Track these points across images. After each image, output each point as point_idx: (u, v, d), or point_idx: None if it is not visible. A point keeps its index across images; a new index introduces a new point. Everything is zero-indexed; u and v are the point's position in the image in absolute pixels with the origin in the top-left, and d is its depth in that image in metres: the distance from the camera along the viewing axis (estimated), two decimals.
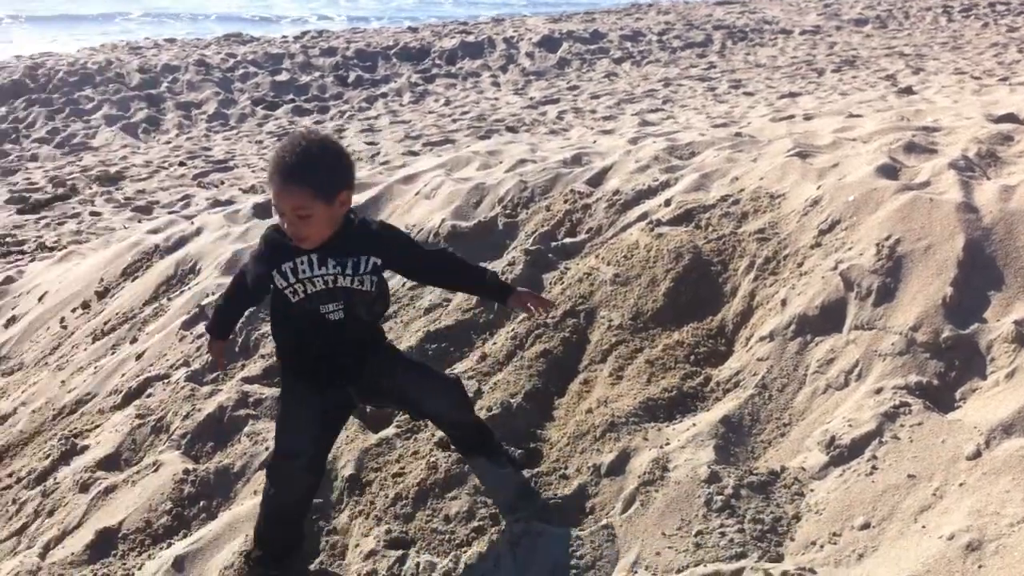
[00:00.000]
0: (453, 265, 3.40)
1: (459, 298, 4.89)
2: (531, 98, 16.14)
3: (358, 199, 6.32)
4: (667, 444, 3.50)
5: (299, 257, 3.06)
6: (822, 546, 2.94)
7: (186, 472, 4.08)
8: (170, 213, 9.75)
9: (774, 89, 14.35)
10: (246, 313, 4.35)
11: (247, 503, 3.81)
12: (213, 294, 5.49)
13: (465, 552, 3.29)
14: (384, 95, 17.63)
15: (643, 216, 5.14)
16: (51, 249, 9.27)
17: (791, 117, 9.57)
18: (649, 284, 4.48)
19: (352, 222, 3.13)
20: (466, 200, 5.90)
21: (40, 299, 6.68)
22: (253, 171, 12.18)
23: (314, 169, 2.89)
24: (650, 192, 5.42)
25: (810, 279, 4.09)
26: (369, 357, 3.34)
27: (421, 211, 5.96)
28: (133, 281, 6.38)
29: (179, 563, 3.58)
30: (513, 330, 4.50)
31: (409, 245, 3.33)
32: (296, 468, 3.22)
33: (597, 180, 5.83)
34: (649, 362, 4.05)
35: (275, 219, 3.10)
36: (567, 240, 5.24)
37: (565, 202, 5.55)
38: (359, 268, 3.10)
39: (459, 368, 4.39)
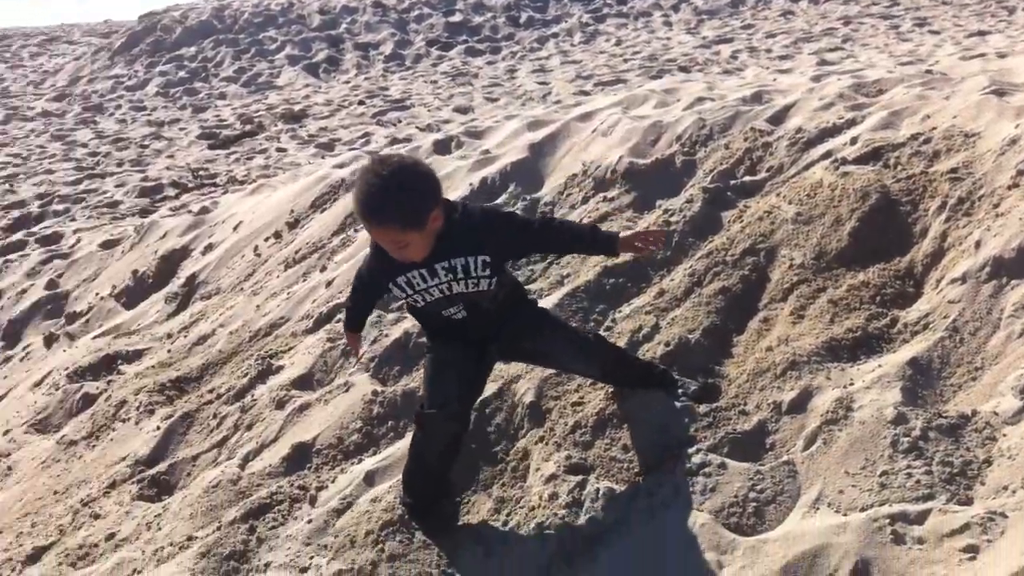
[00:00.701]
0: (560, 236, 3.37)
1: None
2: (704, 37, 15.83)
3: (535, 136, 6.39)
4: (851, 384, 3.46)
5: (411, 272, 3.07)
6: (1014, 491, 2.87)
7: (375, 394, 4.28)
8: (351, 150, 10.09)
9: (961, 27, 13.62)
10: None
11: None
12: None
13: (644, 481, 3.36)
14: (555, 35, 17.61)
15: (827, 154, 5.02)
16: (241, 182, 9.75)
17: (982, 55, 9.08)
18: (833, 223, 4.40)
19: (455, 221, 3.04)
20: (643, 137, 5.89)
21: (235, 228, 7.07)
22: (429, 110, 12.43)
23: (398, 206, 2.82)
24: (835, 130, 5.28)
25: (1007, 221, 3.93)
26: (506, 326, 3.37)
27: (598, 148, 5.98)
28: (322, 213, 6.66)
29: (369, 478, 3.78)
30: (691, 267, 4.51)
31: (515, 231, 3.21)
32: (442, 418, 3.30)
33: (778, 118, 5.72)
34: (832, 302, 4.00)
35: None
36: (747, 178, 5.17)
37: (745, 140, 5.47)
38: (470, 271, 3.08)
39: (636, 303, 4.44)
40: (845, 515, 2.96)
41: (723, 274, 4.40)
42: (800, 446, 3.30)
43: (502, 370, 4.12)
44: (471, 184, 5.97)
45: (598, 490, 3.36)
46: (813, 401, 3.46)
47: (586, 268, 4.78)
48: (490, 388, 4.01)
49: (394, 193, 2.81)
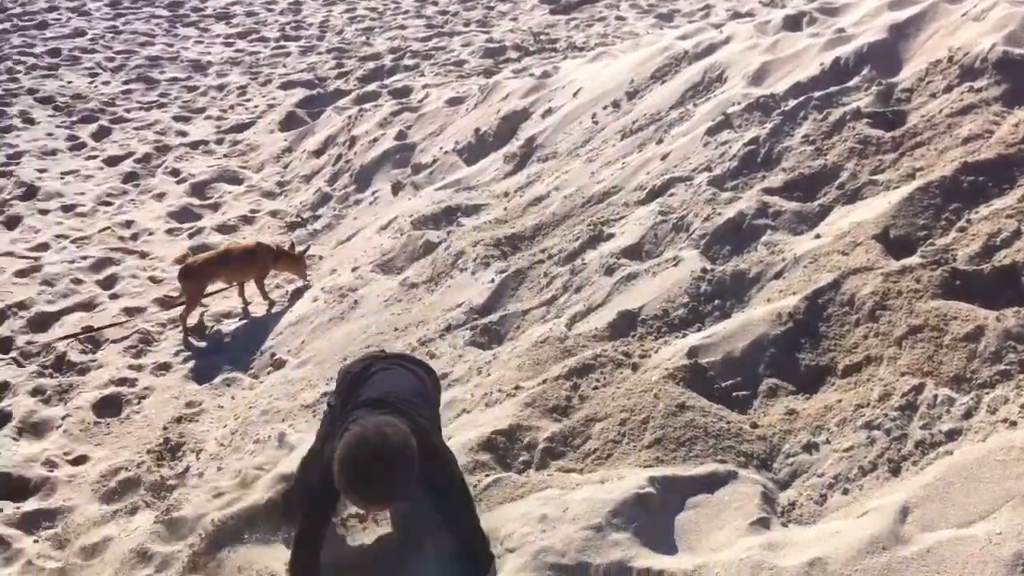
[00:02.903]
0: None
1: (1003, 131, 4.51)
2: None
3: (897, 16, 5.95)
4: None
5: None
6: None
7: (703, 271, 4.28)
8: (691, 22, 9.87)
9: None
10: None
11: (760, 309, 3.93)
12: (738, 104, 5.56)
13: (988, 394, 3.17)
14: None
15: None
16: (580, 49, 9.82)
17: None
18: None
19: None
20: (1022, 24, 5.32)
21: (574, 95, 7.17)
22: None
23: (402, 486, 2.77)
24: None
25: None
26: None
27: (968, 33, 5.48)
28: (661, 84, 6.61)
29: (692, 352, 3.80)
30: None
31: (440, 490, 3.04)
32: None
33: None
34: None
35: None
36: None
37: None
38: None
39: (997, 204, 4.09)
40: None
41: None
42: None
43: (840, 262, 3.98)
44: (822, 64, 5.68)
45: (936, 396, 3.20)
46: None
47: (942, 163, 4.46)
48: (825, 278, 3.89)
49: (402, 475, 2.75)
